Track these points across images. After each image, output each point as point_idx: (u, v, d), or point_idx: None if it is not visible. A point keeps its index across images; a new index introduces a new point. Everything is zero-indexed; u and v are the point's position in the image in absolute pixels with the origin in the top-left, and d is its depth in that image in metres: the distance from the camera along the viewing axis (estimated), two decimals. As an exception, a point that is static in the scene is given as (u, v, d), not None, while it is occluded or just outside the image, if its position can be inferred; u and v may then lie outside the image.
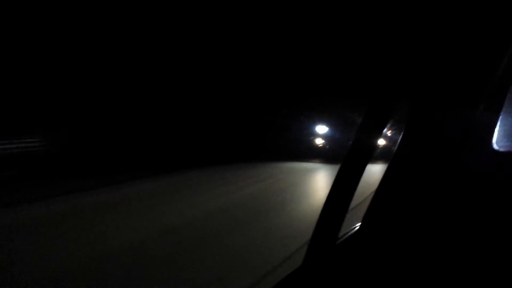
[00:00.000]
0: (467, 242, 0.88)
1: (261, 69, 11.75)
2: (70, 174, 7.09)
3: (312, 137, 10.21)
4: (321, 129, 10.06)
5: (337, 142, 9.26)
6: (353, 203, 1.03)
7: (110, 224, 4.70)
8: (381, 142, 8.64)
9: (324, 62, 11.54)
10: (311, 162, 9.39)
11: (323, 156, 9.27)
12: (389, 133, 9.07)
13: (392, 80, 0.97)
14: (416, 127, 0.94)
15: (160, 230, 4.39)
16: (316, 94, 11.21)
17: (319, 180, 7.64)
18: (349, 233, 1.05)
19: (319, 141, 9.92)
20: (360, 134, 1.00)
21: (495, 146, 0.90)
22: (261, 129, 10.75)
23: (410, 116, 0.94)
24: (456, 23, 0.87)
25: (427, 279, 0.89)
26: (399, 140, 0.98)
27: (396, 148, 0.98)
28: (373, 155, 1.00)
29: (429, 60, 0.92)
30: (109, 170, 7.49)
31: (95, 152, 8.26)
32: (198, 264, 3.42)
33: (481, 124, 0.88)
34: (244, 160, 9.45)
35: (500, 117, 0.89)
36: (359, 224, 1.02)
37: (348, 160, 1.01)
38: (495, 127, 0.87)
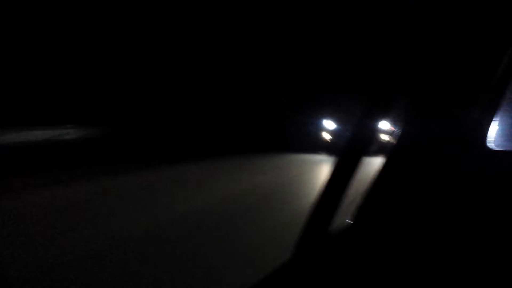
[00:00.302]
0: (463, 242, 0.88)
1: (272, 62, 11.80)
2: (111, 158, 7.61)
3: (319, 131, 10.22)
4: (329, 124, 10.06)
5: (344, 136, 9.25)
6: (348, 197, 1.02)
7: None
8: (381, 137, 8.70)
9: (332, 58, 11.54)
10: (318, 154, 9.45)
11: (329, 149, 9.25)
12: (389, 128, 9.10)
13: (392, 75, 0.97)
14: (413, 123, 0.94)
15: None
16: (325, 89, 11.23)
17: (323, 172, 7.68)
18: (341, 228, 1.04)
19: (326, 135, 9.92)
20: (357, 128, 1.01)
21: (492, 145, 0.90)
22: (269, 122, 10.84)
23: (408, 111, 0.95)
24: (456, 20, 0.86)
25: (419, 278, 0.88)
26: (396, 136, 0.97)
27: (393, 143, 0.98)
28: (370, 149, 0.99)
29: (429, 56, 0.91)
30: (147, 155, 7.82)
31: (135, 138, 8.67)
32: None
33: (479, 122, 0.87)
34: (251, 151, 9.54)
35: (498, 116, 0.88)
36: (352, 219, 1.02)
37: (343, 154, 1.01)
38: (489, 126, 0.87)
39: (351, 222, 1.01)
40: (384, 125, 8.86)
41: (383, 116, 0.99)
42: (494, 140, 0.90)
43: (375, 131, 1.01)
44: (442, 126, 0.88)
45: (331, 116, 10.33)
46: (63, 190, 5.69)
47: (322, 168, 8.23)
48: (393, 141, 0.97)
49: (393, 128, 9.33)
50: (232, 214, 4.90)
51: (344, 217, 1.06)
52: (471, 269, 0.84)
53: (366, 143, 0.98)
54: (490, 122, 0.86)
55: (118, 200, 5.35)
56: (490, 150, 0.88)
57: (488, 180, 0.86)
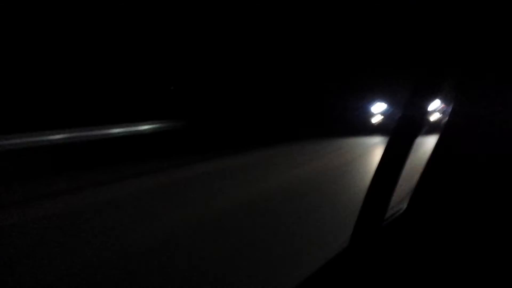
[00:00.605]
0: None
1: (323, 48, 12.05)
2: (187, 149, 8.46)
3: (371, 114, 10.47)
4: (380, 106, 10.31)
5: (395, 118, 9.48)
6: (402, 181, 0.99)
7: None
8: (433, 116, 8.78)
9: (380, 40, 11.55)
10: (373, 137, 9.75)
11: (383, 131, 9.54)
12: (441, 107, 9.13)
13: (442, 52, 0.93)
14: (466, 101, 0.90)
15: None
16: (375, 72, 11.35)
17: (377, 154, 8.07)
18: (396, 214, 1.02)
19: (378, 118, 10.19)
20: (408, 107, 0.98)
21: None
22: (322, 108, 11.18)
23: (459, 90, 0.92)
24: None
25: (474, 272, 0.83)
26: (448, 115, 0.94)
27: (445, 123, 0.95)
28: (421, 129, 0.97)
29: (480, 35, 0.86)
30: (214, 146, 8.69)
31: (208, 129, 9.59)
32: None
33: None
34: (307, 137, 10.03)
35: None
36: (407, 204, 0.99)
37: (394, 136, 0.98)
38: None
39: (407, 207, 0.99)
40: (436, 104, 8.99)
41: (433, 95, 0.95)
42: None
43: (425, 111, 0.97)
44: (494, 105, 0.84)
45: (383, 99, 10.53)
46: (150, 178, 6.55)
47: (378, 150, 8.56)
48: (445, 120, 0.96)
49: (444, 106, 9.36)
50: (297, 196, 5.21)
51: (400, 201, 1.04)
52: None
53: (417, 123, 0.95)
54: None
55: (195, 186, 6.16)
56: None
57: None
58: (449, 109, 0.96)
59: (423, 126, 0.96)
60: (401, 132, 0.97)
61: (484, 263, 0.82)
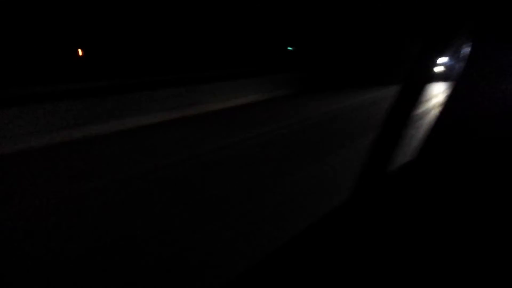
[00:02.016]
0: None
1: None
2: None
3: (436, 65, 13.56)
4: (442, 59, 12.40)
5: (453, 68, 12.69)
6: (411, 132, 1.02)
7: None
8: (440, 68, 11.65)
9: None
10: (436, 82, 11.84)
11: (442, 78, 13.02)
12: (447, 62, 11.71)
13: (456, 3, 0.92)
14: (479, 54, 0.90)
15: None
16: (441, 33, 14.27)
17: (434, 90, 10.39)
18: (403, 165, 1.02)
19: (440, 68, 12.43)
20: (421, 56, 0.99)
21: None
22: (398, 61, 14.57)
23: (473, 43, 0.90)
24: None
25: (483, 221, 0.82)
26: (462, 66, 0.93)
27: (459, 75, 0.94)
28: (430, 78, 0.99)
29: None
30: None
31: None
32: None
33: None
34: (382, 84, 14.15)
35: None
36: (415, 155, 0.98)
37: (404, 87, 0.99)
38: None
39: (415, 158, 1.00)
40: (444, 59, 11.92)
41: (439, 53, 0.97)
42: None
43: (432, 65, 1.00)
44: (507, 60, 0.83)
45: (445, 53, 13.60)
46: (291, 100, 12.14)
47: (438, 88, 10.86)
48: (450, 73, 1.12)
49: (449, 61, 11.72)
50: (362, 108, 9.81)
51: (408, 152, 1.05)
52: None
53: (424, 77, 0.98)
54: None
55: (311, 104, 11.12)
56: None
57: None
58: (454, 64, 1.09)
59: (430, 79, 0.98)
60: (410, 84, 0.98)
61: (487, 218, 0.81)
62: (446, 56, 12.86)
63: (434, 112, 0.96)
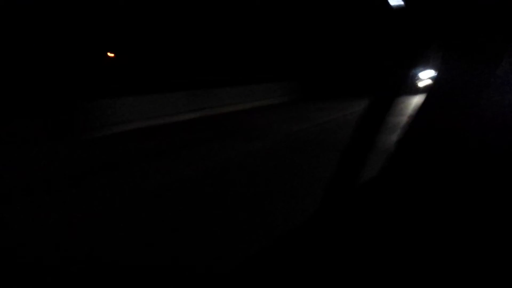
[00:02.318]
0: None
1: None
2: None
3: (420, 79, 12.66)
4: (429, 72, 12.29)
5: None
6: (380, 145, 1.00)
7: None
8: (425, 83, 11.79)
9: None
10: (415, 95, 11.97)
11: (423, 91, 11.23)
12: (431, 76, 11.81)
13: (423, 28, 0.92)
14: (447, 71, 0.89)
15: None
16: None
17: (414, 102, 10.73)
18: (371, 179, 0.98)
19: (426, 82, 12.31)
20: (392, 69, 1.00)
21: None
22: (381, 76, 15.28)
23: (443, 60, 0.89)
24: None
25: (449, 237, 0.80)
26: (434, 81, 0.93)
27: (428, 91, 0.93)
28: (400, 95, 0.97)
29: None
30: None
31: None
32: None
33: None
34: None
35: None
36: (384, 167, 0.95)
37: (374, 101, 0.98)
38: None
39: (384, 171, 0.96)
40: (430, 73, 11.92)
41: (414, 65, 0.96)
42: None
43: (405, 78, 0.98)
44: (473, 75, 0.83)
45: (424, 67, 12.64)
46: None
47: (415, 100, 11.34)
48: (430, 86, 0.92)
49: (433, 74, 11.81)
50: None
51: (377, 165, 1.01)
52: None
53: (395, 90, 0.96)
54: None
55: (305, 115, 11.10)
56: None
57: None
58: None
59: (401, 93, 0.96)
60: (380, 98, 0.97)
61: (461, 224, 0.79)
62: (432, 69, 12.61)
63: (405, 124, 0.95)
